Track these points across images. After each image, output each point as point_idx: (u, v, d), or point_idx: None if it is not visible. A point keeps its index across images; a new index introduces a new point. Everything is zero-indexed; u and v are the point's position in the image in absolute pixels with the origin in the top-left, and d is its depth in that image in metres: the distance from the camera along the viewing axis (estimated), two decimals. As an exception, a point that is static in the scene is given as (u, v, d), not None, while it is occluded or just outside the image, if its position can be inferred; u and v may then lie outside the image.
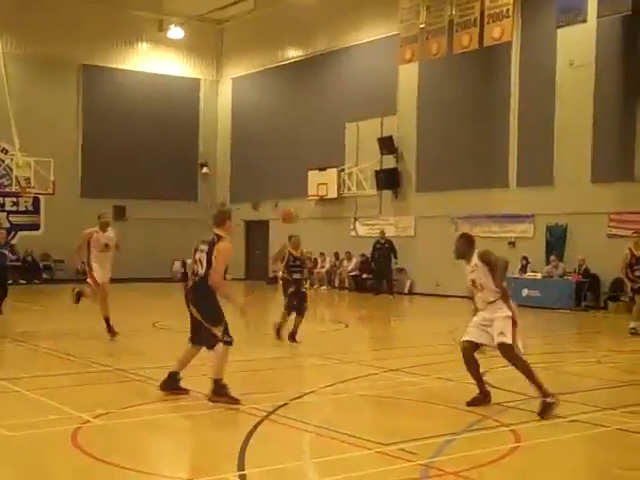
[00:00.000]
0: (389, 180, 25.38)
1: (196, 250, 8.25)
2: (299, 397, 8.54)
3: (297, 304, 12.90)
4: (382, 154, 25.66)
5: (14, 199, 28.35)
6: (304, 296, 13.11)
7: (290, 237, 13.19)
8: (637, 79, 19.40)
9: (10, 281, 16.98)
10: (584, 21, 20.11)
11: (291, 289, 12.89)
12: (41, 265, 28.59)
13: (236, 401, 7.94)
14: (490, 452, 6.42)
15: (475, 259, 8.01)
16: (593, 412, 7.91)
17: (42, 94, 28.70)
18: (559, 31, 20.86)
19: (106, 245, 12.93)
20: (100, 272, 12.87)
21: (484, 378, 8.30)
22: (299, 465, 6.16)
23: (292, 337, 12.86)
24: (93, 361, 10.78)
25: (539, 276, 20.70)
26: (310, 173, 27.71)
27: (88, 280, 13.04)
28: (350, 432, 6.88)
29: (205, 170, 32.74)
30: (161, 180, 30.46)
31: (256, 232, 30.55)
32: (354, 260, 26.72)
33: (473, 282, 8.05)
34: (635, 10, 18.81)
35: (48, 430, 6.98)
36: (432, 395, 8.74)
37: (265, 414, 7.58)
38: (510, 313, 7.82)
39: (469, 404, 8.01)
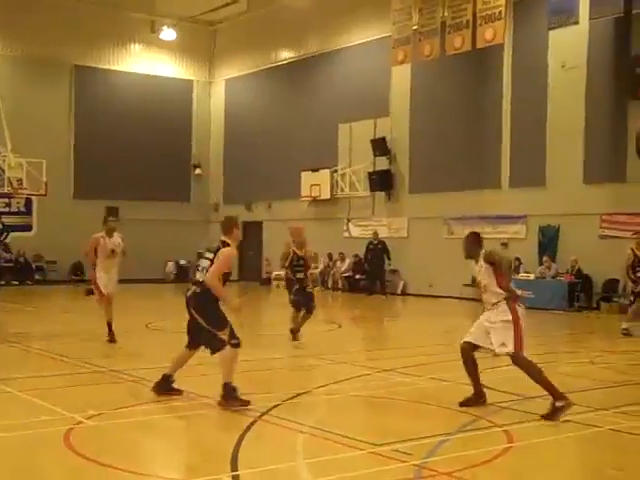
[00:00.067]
0: (382, 181, 25.41)
1: (200, 257, 8.23)
2: (292, 397, 8.53)
3: (304, 303, 12.97)
4: (375, 155, 25.70)
5: (6, 200, 28.22)
6: (311, 296, 13.21)
7: (291, 229, 13.38)
8: (629, 81, 19.44)
9: (2, 282, 16.94)
10: (576, 23, 20.23)
11: (296, 287, 13.04)
12: (33, 266, 28.49)
13: (247, 403, 7.88)
14: (483, 452, 6.43)
15: (481, 260, 7.93)
16: (586, 412, 7.91)
17: (34, 95, 28.58)
18: (551, 33, 20.95)
19: (112, 251, 12.90)
20: (105, 281, 12.85)
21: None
22: (292, 465, 6.15)
23: (293, 333, 12.91)
24: (86, 362, 10.75)
25: (532, 277, 20.71)
26: (303, 174, 27.73)
27: (93, 287, 13.07)
28: (343, 432, 6.89)
29: (198, 171, 32.70)
30: (154, 181, 30.40)
31: (249, 233, 30.43)
32: (347, 261, 26.75)
33: (479, 283, 8.02)
34: (627, 12, 18.90)
35: (40, 431, 6.96)
36: (425, 395, 8.75)
37: (258, 414, 7.58)
38: (510, 317, 7.73)
39: (462, 404, 8.00)
